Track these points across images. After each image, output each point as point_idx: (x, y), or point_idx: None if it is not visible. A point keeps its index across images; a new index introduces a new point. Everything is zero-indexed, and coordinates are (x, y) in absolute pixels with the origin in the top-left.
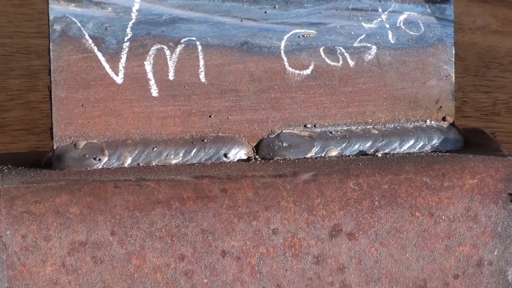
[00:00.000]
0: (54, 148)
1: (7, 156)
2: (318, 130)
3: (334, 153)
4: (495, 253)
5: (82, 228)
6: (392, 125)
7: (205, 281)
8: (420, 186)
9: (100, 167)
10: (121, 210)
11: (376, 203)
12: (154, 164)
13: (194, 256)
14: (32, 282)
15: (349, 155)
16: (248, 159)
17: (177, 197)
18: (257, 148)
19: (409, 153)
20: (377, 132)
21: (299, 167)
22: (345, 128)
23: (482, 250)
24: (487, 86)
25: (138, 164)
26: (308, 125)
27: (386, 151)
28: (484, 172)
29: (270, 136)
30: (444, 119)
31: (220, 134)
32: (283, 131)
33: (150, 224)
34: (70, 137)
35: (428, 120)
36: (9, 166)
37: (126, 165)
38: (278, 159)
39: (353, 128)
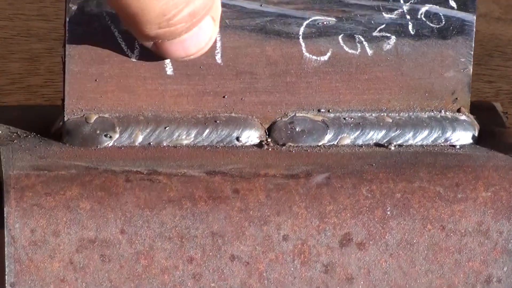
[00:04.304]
0: (65, 120)
1: (16, 111)
2: (332, 115)
3: (347, 141)
4: (505, 270)
5: (92, 225)
6: (407, 114)
7: (213, 285)
8: (433, 197)
9: (110, 144)
10: (132, 208)
11: (388, 213)
12: (165, 144)
13: (202, 259)
14: (38, 277)
15: (362, 145)
16: (261, 143)
17: (189, 196)
18: (269, 130)
19: (422, 146)
20: (391, 120)
21: (312, 164)
22: (359, 114)
23: (491, 267)
24: (490, 75)
25: (149, 143)
26: (322, 110)
27: (400, 142)
28: (498, 184)
29: (284, 119)
30: (459, 110)
31: (233, 114)
32: (297, 115)
33: (161, 224)
34: (82, 110)
35: (443, 111)
36: (18, 133)
37: (137, 143)
38: (290, 145)
39: (367, 115)
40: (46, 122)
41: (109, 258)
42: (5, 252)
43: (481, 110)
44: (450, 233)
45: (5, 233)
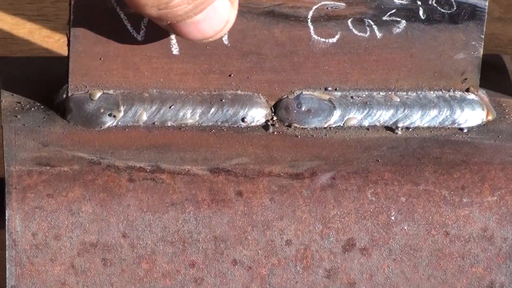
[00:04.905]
0: (69, 95)
1: (20, 66)
2: (339, 94)
3: (353, 122)
4: (508, 276)
5: (94, 229)
6: (415, 93)
7: None
8: (438, 201)
9: (114, 124)
10: (134, 212)
11: (393, 218)
12: (169, 124)
13: (204, 263)
14: (40, 281)
15: (368, 128)
16: (266, 124)
17: (192, 199)
18: (275, 108)
19: (430, 130)
20: (398, 99)
21: (317, 159)
22: (367, 93)
23: (494, 272)
24: None
25: (154, 123)
26: (329, 88)
27: (407, 123)
28: (504, 187)
29: (290, 97)
30: (468, 90)
31: (239, 92)
32: (303, 92)
33: (163, 228)
34: (86, 87)
35: (451, 90)
36: (22, 104)
37: (141, 123)
38: (296, 127)
39: (375, 94)
40: (50, 82)
41: (111, 262)
42: (6, 255)
43: (487, 67)
44: (454, 239)
45: (6, 236)
